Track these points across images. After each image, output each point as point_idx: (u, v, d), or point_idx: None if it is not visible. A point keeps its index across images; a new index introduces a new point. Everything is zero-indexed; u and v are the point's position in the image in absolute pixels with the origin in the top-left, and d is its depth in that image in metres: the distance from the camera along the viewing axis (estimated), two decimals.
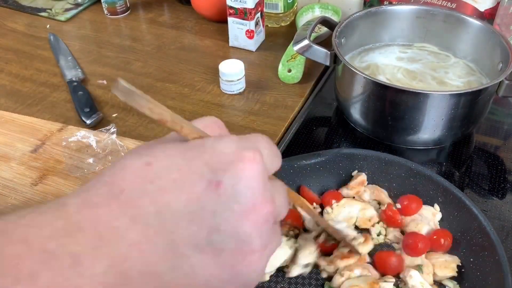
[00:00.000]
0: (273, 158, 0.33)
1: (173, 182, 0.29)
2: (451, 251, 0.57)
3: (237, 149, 0.30)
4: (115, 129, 0.76)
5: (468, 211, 0.57)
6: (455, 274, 0.55)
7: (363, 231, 0.60)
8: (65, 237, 0.27)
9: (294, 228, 0.60)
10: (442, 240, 0.57)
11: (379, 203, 0.63)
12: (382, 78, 0.79)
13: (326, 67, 0.94)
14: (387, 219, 0.60)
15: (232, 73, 0.85)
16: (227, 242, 0.30)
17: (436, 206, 0.61)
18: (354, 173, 0.65)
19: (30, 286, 0.25)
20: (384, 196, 0.63)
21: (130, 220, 0.28)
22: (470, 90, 0.68)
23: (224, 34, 1.02)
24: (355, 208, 0.62)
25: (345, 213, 0.61)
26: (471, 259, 0.55)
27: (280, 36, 1.04)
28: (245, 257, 0.30)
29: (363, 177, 0.64)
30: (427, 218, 0.60)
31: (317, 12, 1.03)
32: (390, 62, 0.83)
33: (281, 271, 0.56)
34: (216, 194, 0.29)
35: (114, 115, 0.84)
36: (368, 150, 0.65)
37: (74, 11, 1.15)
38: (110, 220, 0.28)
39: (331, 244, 0.57)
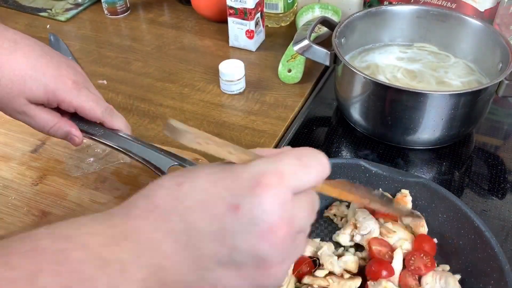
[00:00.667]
0: (302, 175, 0.34)
1: (198, 202, 0.32)
2: None
3: (257, 174, 0.32)
4: None
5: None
6: None
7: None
8: (115, 245, 0.31)
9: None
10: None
11: (413, 232, 0.61)
12: (382, 78, 0.79)
13: (326, 67, 0.94)
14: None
15: (232, 73, 0.85)
16: (247, 260, 0.32)
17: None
18: (406, 191, 0.62)
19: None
20: (422, 229, 0.60)
21: (164, 234, 0.32)
22: (470, 90, 0.68)
23: (224, 34, 1.02)
24: (399, 234, 0.59)
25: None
26: None
27: (280, 36, 1.04)
28: (265, 271, 0.33)
29: (407, 198, 0.61)
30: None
31: (317, 12, 1.03)
32: (390, 62, 0.83)
33: None
34: (235, 217, 0.32)
35: None
36: (451, 194, 0.59)
37: (74, 11, 1.15)
38: (148, 231, 0.32)
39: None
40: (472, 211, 0.57)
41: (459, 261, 0.57)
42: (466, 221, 0.57)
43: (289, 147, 0.36)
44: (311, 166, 0.34)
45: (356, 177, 0.63)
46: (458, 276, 0.56)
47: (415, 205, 0.62)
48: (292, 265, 0.55)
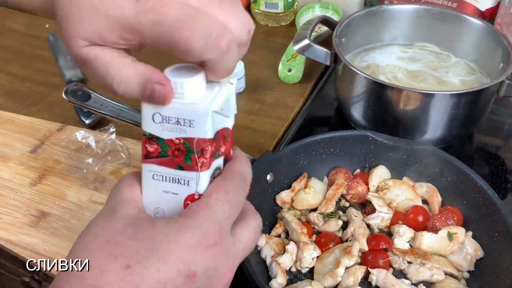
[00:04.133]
0: (234, 213, 0.37)
1: (157, 283, 0.33)
2: None
3: (200, 237, 0.34)
4: (114, 129, 0.76)
5: None
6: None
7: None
8: None
9: None
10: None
11: (427, 203, 0.64)
12: (383, 78, 0.79)
13: (327, 67, 0.94)
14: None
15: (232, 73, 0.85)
16: None
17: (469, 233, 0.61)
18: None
19: None
20: (436, 203, 0.63)
21: None
22: (471, 90, 0.68)
23: None
24: (404, 193, 0.63)
25: (392, 194, 0.63)
26: None
27: (280, 36, 1.04)
28: None
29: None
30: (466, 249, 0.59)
31: (317, 12, 1.02)
32: (390, 61, 0.83)
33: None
34: (193, 284, 0.34)
35: None
36: (454, 159, 0.63)
37: None
38: None
39: None
40: (474, 172, 0.62)
41: (464, 218, 0.62)
42: (469, 182, 0.62)
43: (221, 178, 0.38)
44: (237, 201, 0.38)
45: (364, 148, 0.66)
46: (470, 233, 0.60)
47: (421, 172, 0.65)
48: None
